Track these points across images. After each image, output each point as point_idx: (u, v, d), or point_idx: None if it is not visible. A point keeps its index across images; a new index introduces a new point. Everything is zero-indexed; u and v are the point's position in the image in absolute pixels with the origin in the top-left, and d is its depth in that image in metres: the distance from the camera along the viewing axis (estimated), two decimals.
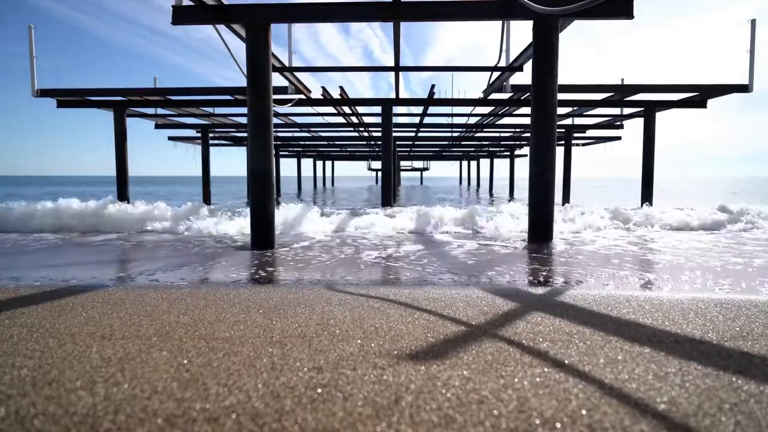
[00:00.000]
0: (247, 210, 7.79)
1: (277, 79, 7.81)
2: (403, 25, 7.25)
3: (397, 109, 14.42)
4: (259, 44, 6.14)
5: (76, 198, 9.99)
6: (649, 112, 12.98)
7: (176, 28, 6.72)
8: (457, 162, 46.92)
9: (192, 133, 18.24)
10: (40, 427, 1.53)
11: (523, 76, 8.68)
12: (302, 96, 10.71)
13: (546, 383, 1.85)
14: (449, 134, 19.83)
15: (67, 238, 7.55)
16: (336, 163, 46.71)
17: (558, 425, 1.53)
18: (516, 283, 4.18)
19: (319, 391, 1.79)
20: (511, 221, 8.74)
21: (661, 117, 13.62)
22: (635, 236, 7.67)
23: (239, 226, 8.32)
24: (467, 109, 13.69)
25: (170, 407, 1.66)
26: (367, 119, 15.81)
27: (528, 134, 18.44)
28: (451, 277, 4.50)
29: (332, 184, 48.79)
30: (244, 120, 15.10)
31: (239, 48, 6.74)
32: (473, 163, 43.94)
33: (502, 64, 8.31)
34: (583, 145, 22.30)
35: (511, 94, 10.72)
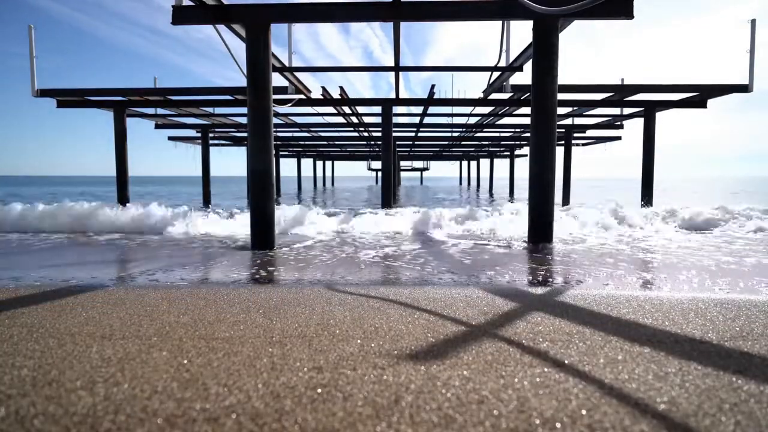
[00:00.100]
0: (247, 210, 7.78)
1: (277, 79, 7.82)
2: (403, 25, 7.25)
3: (397, 109, 14.43)
4: (259, 44, 6.14)
5: (84, 200, 10.07)
6: (649, 112, 12.98)
7: (176, 28, 6.73)
8: (457, 162, 46.91)
9: (192, 133, 18.25)
10: (40, 427, 1.53)
11: (523, 76, 8.69)
12: (302, 96, 10.71)
13: (546, 383, 1.85)
14: (449, 134, 19.83)
15: (72, 238, 7.55)
16: (336, 163, 46.73)
17: (558, 425, 1.53)
18: (516, 283, 4.18)
19: (319, 391, 1.79)
20: (511, 221, 8.74)
21: (661, 117, 13.64)
22: (635, 236, 7.67)
23: (239, 225, 8.32)
24: (467, 109, 13.70)
25: (170, 407, 1.66)
26: (367, 119, 15.82)
27: (528, 134, 18.44)
28: (451, 277, 4.50)
29: (332, 184, 48.79)
30: (244, 120, 15.11)
31: (239, 48, 6.75)
32: (473, 163, 43.95)
33: (502, 64, 8.32)
34: (583, 145, 22.31)
35: (511, 94, 10.72)
